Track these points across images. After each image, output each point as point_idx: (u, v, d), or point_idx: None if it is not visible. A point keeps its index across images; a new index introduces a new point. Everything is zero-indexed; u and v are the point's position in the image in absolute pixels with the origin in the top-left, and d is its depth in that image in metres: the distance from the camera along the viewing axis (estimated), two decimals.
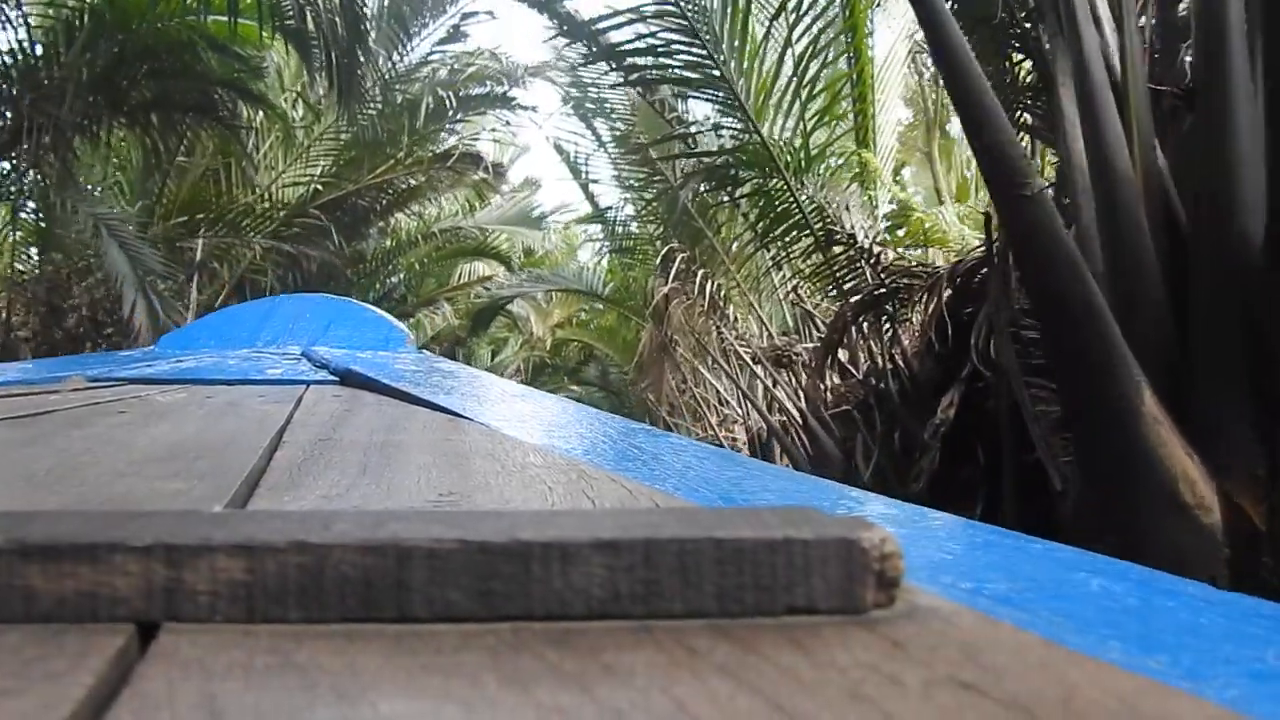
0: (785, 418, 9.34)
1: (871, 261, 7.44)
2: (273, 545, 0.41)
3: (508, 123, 15.71)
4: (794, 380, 9.04)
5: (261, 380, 2.22)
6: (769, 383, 10.04)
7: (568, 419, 1.89)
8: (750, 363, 10.56)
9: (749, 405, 11.11)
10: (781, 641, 0.39)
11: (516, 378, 18.89)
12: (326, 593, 0.41)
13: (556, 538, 0.42)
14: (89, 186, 11.16)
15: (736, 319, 11.46)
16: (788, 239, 8.72)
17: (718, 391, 12.59)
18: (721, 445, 11.41)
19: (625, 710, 0.33)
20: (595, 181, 14.92)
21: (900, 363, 6.68)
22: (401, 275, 17.34)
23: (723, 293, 11.03)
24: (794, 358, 8.65)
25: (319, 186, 13.04)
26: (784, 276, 10.10)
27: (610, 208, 14.93)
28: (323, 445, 1.12)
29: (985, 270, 5.74)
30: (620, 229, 14.82)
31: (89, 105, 9.35)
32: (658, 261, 12.04)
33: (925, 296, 6.34)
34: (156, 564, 0.40)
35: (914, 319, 6.82)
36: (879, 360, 7.02)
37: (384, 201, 13.93)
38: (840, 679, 0.36)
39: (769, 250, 9.55)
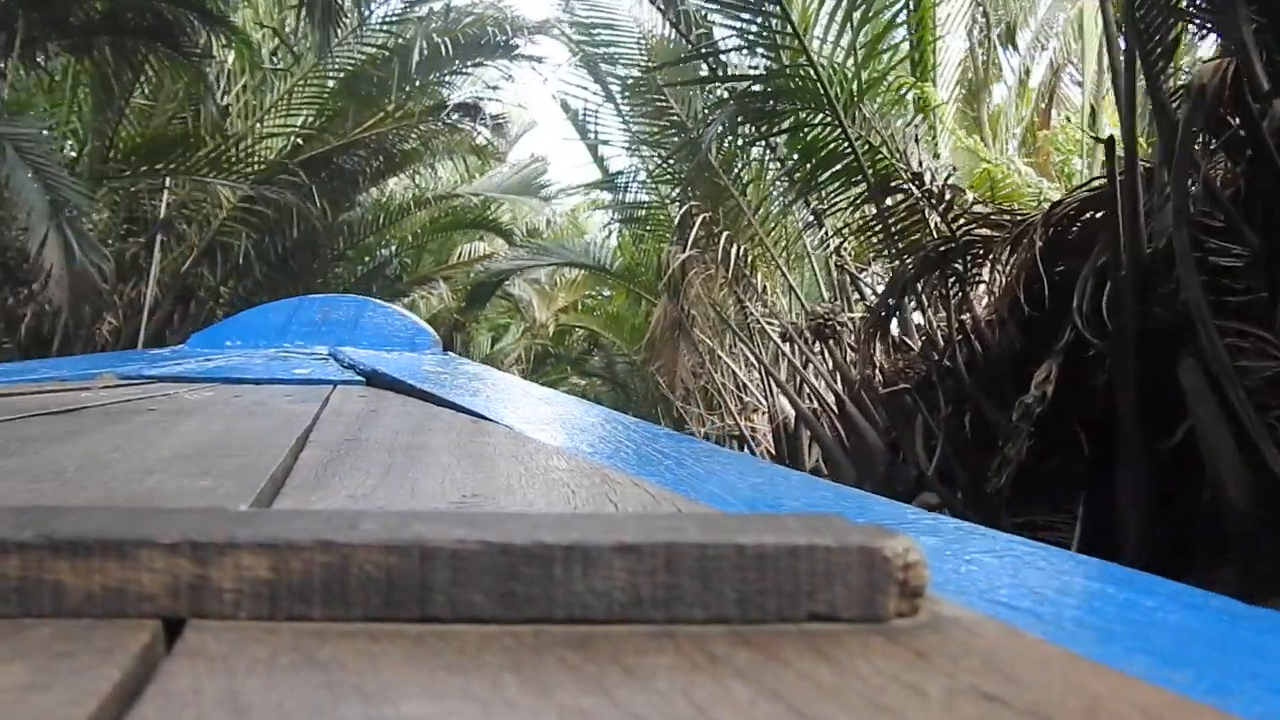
0: (817, 403, 8.39)
1: (942, 207, 5.96)
2: (298, 544, 0.41)
3: (510, 77, 13.70)
4: (830, 359, 7.87)
5: (288, 380, 2.24)
6: (799, 362, 9.07)
7: (591, 422, 1.89)
8: (779, 340, 9.49)
9: (774, 390, 10.04)
10: (803, 649, 0.39)
11: (516, 368, 18.03)
12: (350, 592, 0.41)
13: (579, 541, 0.42)
14: (45, 132, 9.49)
15: (765, 289, 10.19)
16: (833, 187, 7.35)
17: (736, 375, 11.43)
18: (741, 437, 10.71)
19: (645, 714, 0.33)
20: (605, 143, 13.10)
21: (971, 332, 5.58)
22: (394, 249, 15.71)
23: (749, 259, 9.77)
24: (838, 328, 7.39)
25: (300, 140, 11.34)
26: (824, 235, 8.69)
27: (620, 173, 13.12)
28: (348, 445, 1.13)
29: (1097, 213, 4.72)
30: (631, 194, 13.16)
31: (25, 23, 8.18)
32: (674, 226, 10.75)
33: (1008, 250, 5.22)
34: (183, 561, 0.41)
35: (992, 279, 5.74)
36: (945, 330, 5.85)
37: (374, 165, 12.41)
38: (862, 687, 0.35)
39: (808, 204, 8.21)
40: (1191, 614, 0.63)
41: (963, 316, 5.70)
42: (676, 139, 10.24)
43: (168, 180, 10.19)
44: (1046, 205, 5.71)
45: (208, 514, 0.45)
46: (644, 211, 12.97)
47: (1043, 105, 13.29)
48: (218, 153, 10.28)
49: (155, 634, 0.39)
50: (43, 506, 0.46)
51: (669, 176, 11.14)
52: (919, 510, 1.01)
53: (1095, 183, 5.20)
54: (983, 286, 5.99)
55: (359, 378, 2.29)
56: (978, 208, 6.25)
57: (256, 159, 10.91)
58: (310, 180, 10.74)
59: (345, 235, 13.62)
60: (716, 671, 0.37)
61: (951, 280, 5.77)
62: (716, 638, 0.40)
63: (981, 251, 5.61)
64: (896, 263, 6.57)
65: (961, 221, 5.80)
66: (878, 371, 6.54)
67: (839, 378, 7.81)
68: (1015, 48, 12.70)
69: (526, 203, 16.32)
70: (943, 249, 5.68)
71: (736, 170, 9.78)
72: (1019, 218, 5.50)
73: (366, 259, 15.07)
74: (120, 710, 0.32)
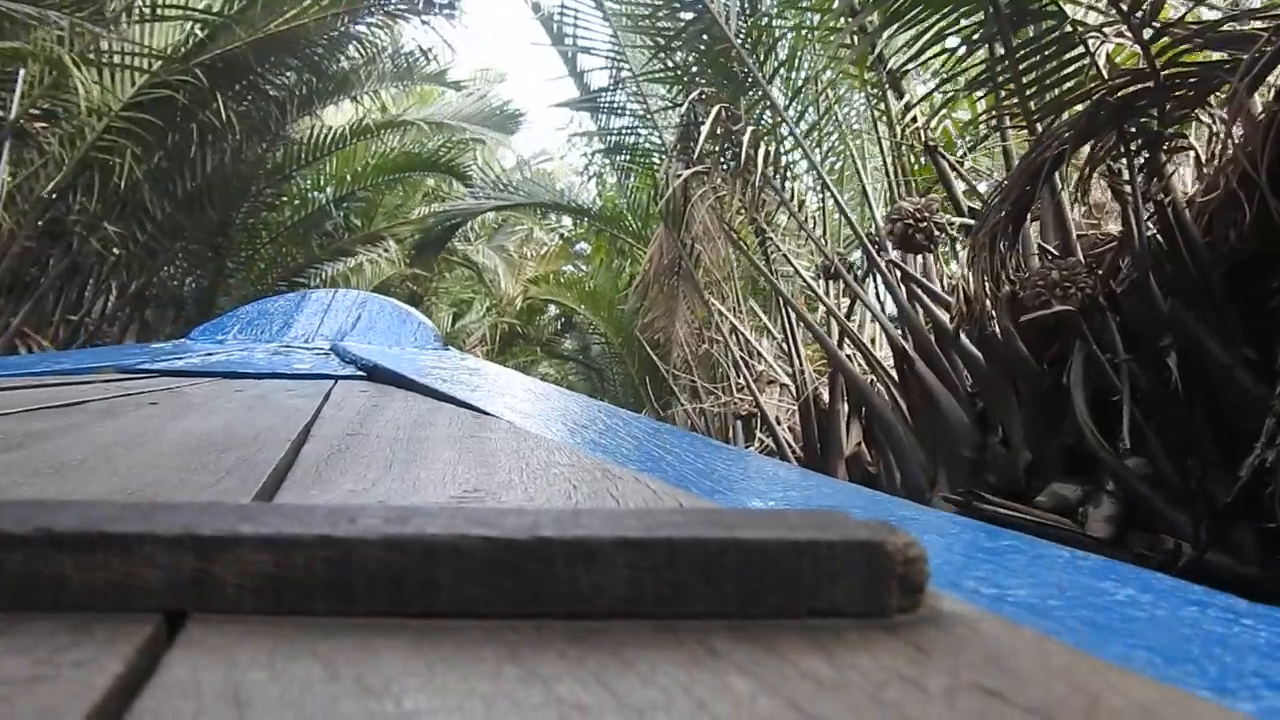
0: (866, 363, 6.46)
1: (1139, 17, 3.48)
2: (299, 538, 0.41)
3: None
4: (904, 291, 5.73)
5: (290, 375, 2.24)
6: (841, 310, 7.10)
7: (593, 417, 1.89)
8: (823, 275, 7.21)
9: (800, 354, 7.84)
10: (803, 644, 0.39)
11: (480, 349, 16.25)
12: (352, 586, 0.41)
13: (580, 536, 0.42)
14: None
15: (802, 204, 7.66)
16: (931, 21, 4.78)
17: (746, 337, 8.96)
18: (752, 417, 9.08)
19: (646, 708, 0.33)
20: (587, 50, 9.96)
21: (1173, 226, 3.72)
22: (330, 193, 12.68)
23: (784, 161, 7.25)
24: (934, 232, 5.08)
25: (202, 34, 8.54)
26: (908, 102, 5.92)
27: (604, 89, 10.16)
28: (350, 440, 1.13)
29: None
30: (617, 118, 10.10)
31: None
32: (675, 129, 8.09)
33: (1248, 84, 3.08)
34: (185, 555, 0.41)
35: (1210, 142, 3.89)
36: (1122, 225, 4.07)
37: (303, 89, 10.04)
38: (862, 682, 0.36)
39: (882, 61, 5.76)
40: (1193, 610, 0.64)
41: (1156, 201, 3.78)
42: (680, 12, 7.40)
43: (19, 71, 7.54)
44: None
45: (210, 508, 0.45)
46: (633, 138, 10.21)
47: None
48: (84, 47, 7.69)
49: (157, 627, 0.39)
50: (45, 500, 0.46)
51: (669, 73, 8.10)
52: (919, 506, 1.02)
53: None
54: (1183, 157, 4.08)
55: (360, 373, 2.29)
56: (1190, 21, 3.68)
57: (143, 48, 8.33)
58: (218, 92, 8.42)
59: (268, 172, 11.11)
60: (717, 666, 0.37)
61: (1137, 146, 3.75)
62: (718, 633, 0.40)
63: (1192, 93, 3.50)
64: (1040, 123, 4.31)
65: (1164, 46, 3.49)
66: (997, 296, 4.32)
67: (906, 322, 5.70)
68: None
69: (486, 134, 13.34)
70: (1123, 95, 3.56)
71: (765, 53, 7.03)
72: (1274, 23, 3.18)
73: (297, 203, 12.48)
74: (122, 703, 0.32)
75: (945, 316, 5.33)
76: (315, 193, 12.64)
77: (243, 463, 0.92)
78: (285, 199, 12.23)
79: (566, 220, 16.87)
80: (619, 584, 0.42)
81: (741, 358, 8.89)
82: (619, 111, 10.10)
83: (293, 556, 0.41)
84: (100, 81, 7.98)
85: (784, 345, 8.47)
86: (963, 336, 5.03)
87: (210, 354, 2.76)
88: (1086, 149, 3.90)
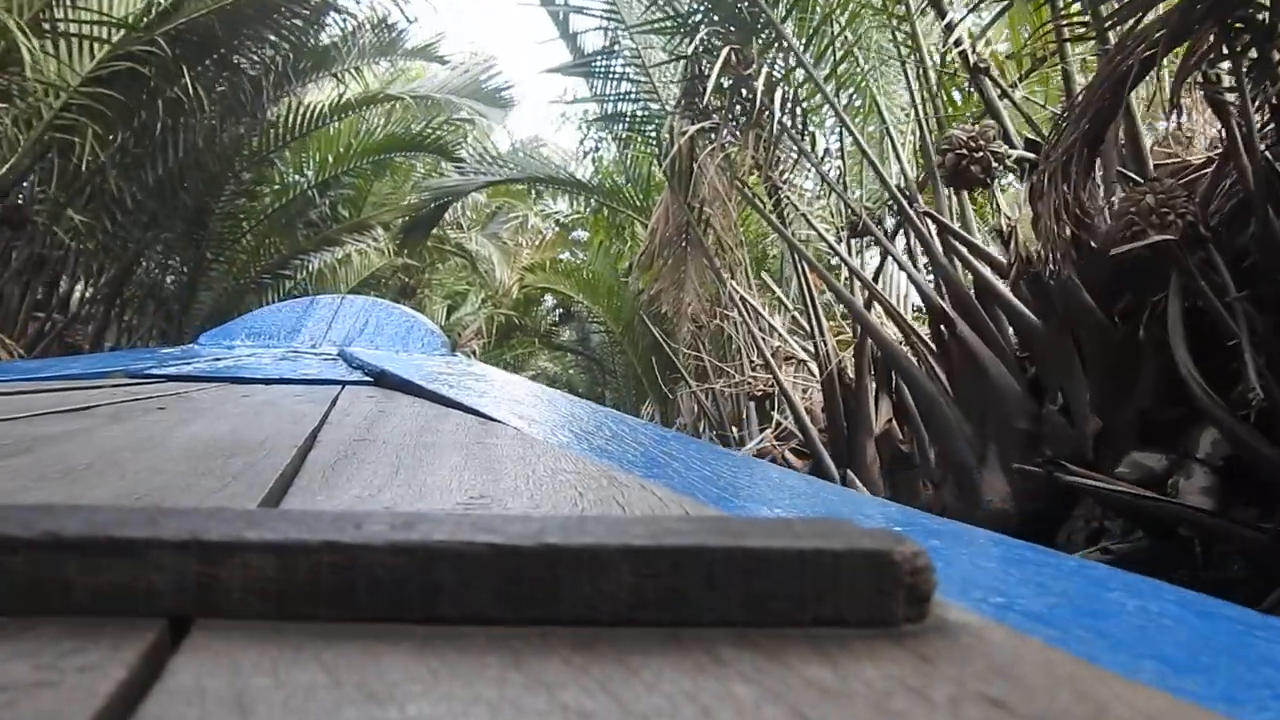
0: (898, 329, 5.98)
1: None
2: (305, 544, 0.41)
3: None
4: (945, 240, 5.13)
5: (297, 380, 2.25)
6: (864, 267, 6.60)
7: (599, 424, 1.89)
8: (847, 233, 6.63)
9: (821, 326, 7.24)
10: (809, 653, 0.39)
11: (476, 342, 15.86)
12: (357, 592, 0.41)
13: (586, 543, 0.42)
14: None
15: (824, 156, 7.14)
16: None
17: (757, 310, 8.25)
18: (767, 398, 8.53)
19: (650, 716, 0.33)
20: (580, 10, 9.44)
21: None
22: (312, 177, 11.79)
23: (800, 109, 6.59)
24: (990, 164, 4.36)
25: (165, 1, 7.68)
26: (950, 21, 5.09)
27: (600, 52, 9.50)
28: (357, 446, 1.13)
29: None
30: (615, 83, 9.40)
31: None
32: (678, 80, 7.48)
33: None
34: (191, 560, 0.41)
35: None
36: (1229, 138, 3.46)
37: (278, 66, 9.30)
38: (867, 692, 0.35)
39: None
40: (1202, 621, 0.63)
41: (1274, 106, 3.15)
42: None
43: None
44: None
45: (216, 513, 0.45)
46: (631, 106, 9.56)
47: None
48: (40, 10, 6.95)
49: (162, 633, 0.39)
50: (52, 505, 0.46)
51: (670, 22, 7.39)
52: (926, 514, 1.01)
53: None
54: None
55: (368, 378, 2.30)
56: None
57: (102, 15, 7.60)
58: (185, 66, 7.65)
59: (246, 156, 10.43)
60: (722, 674, 0.37)
61: (1242, 45, 3.16)
62: (723, 641, 0.40)
63: None
64: (1102, 39, 3.83)
65: None
66: (1067, 242, 3.62)
67: (944, 279, 5.03)
68: None
69: (476, 110, 12.28)
70: None
71: None
72: None
73: (278, 188, 11.78)
74: (126, 708, 0.32)
75: (988, 271, 4.81)
76: (297, 176, 11.80)
77: (249, 468, 0.92)
78: (265, 185, 11.49)
79: (562, 204, 16.26)
80: (624, 591, 0.42)
81: (755, 333, 8.13)
82: (615, 77, 9.29)
83: (298, 562, 0.41)
84: (56, 54, 7.31)
85: (802, 317, 7.82)
86: (1009, 292, 4.47)
87: (218, 359, 2.77)
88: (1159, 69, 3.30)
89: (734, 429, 10.10)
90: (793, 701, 0.34)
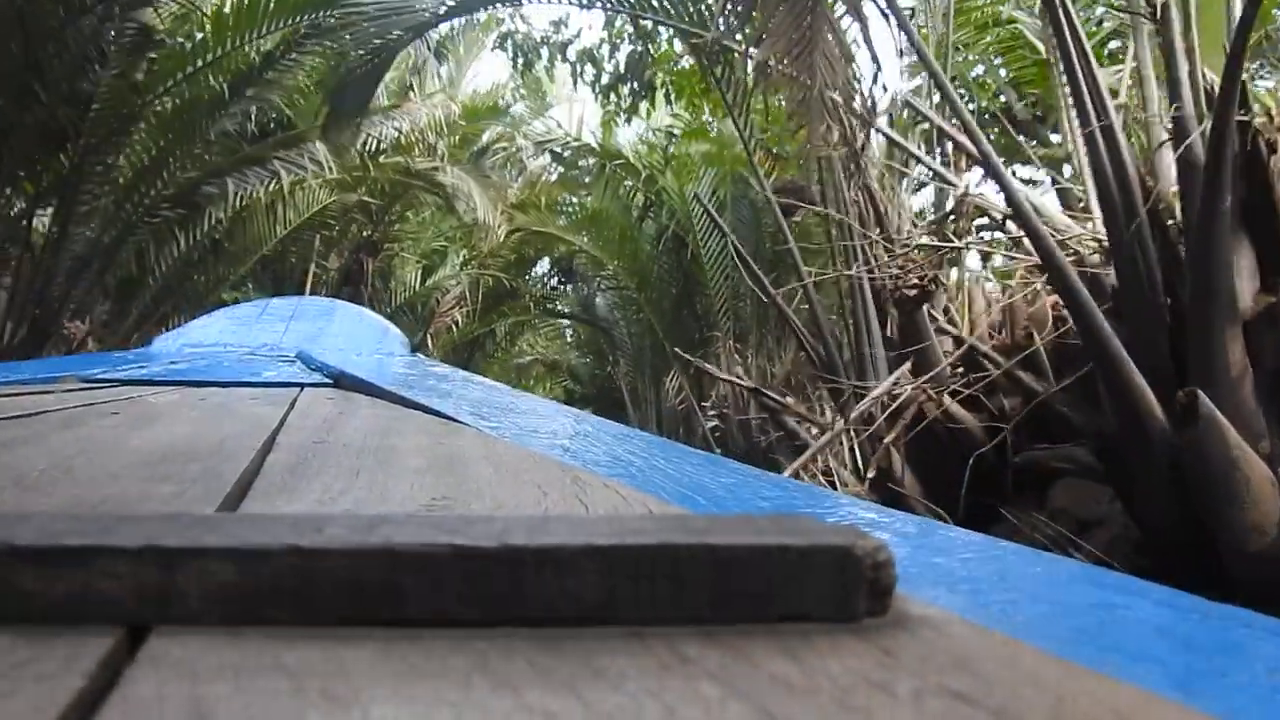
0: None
1: None
2: (265, 548, 0.41)
3: None
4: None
5: (255, 382, 2.22)
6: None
7: (562, 424, 1.89)
8: None
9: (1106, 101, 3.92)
10: (773, 648, 0.39)
11: (459, 310, 13.14)
12: (318, 596, 0.41)
13: (549, 543, 0.42)
14: None
15: None
16: None
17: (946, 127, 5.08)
18: (926, 296, 5.12)
19: (615, 715, 0.33)
20: None
21: None
22: (210, 56, 8.14)
23: None
24: None
25: None
26: None
27: None
28: (316, 448, 1.12)
29: None
30: None
31: None
32: None
33: None
34: (148, 566, 0.40)
35: None
36: None
37: None
38: (831, 687, 0.36)
39: None
40: (1161, 612, 0.64)
41: None
42: None
43: None
44: None
45: (173, 519, 0.45)
46: None
47: None
48: None
49: (119, 641, 0.38)
50: (4, 513, 0.45)
51: None
52: (888, 510, 1.02)
53: None
54: None
55: (327, 380, 2.28)
56: None
57: None
58: None
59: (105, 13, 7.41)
60: (687, 672, 0.37)
61: None
62: (687, 638, 0.40)
63: None
64: None
65: None
66: None
67: None
68: None
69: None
70: None
71: None
72: None
73: (172, 83, 8.19)
74: (83, 718, 0.32)
75: None
76: (197, 61, 8.13)
77: (207, 472, 0.90)
78: (138, 58, 7.87)
79: (561, 128, 12.83)
80: (588, 591, 0.42)
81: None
82: None
83: (258, 567, 0.41)
84: None
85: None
86: None
87: (173, 362, 2.73)
88: None
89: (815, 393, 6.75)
90: (758, 698, 0.34)
